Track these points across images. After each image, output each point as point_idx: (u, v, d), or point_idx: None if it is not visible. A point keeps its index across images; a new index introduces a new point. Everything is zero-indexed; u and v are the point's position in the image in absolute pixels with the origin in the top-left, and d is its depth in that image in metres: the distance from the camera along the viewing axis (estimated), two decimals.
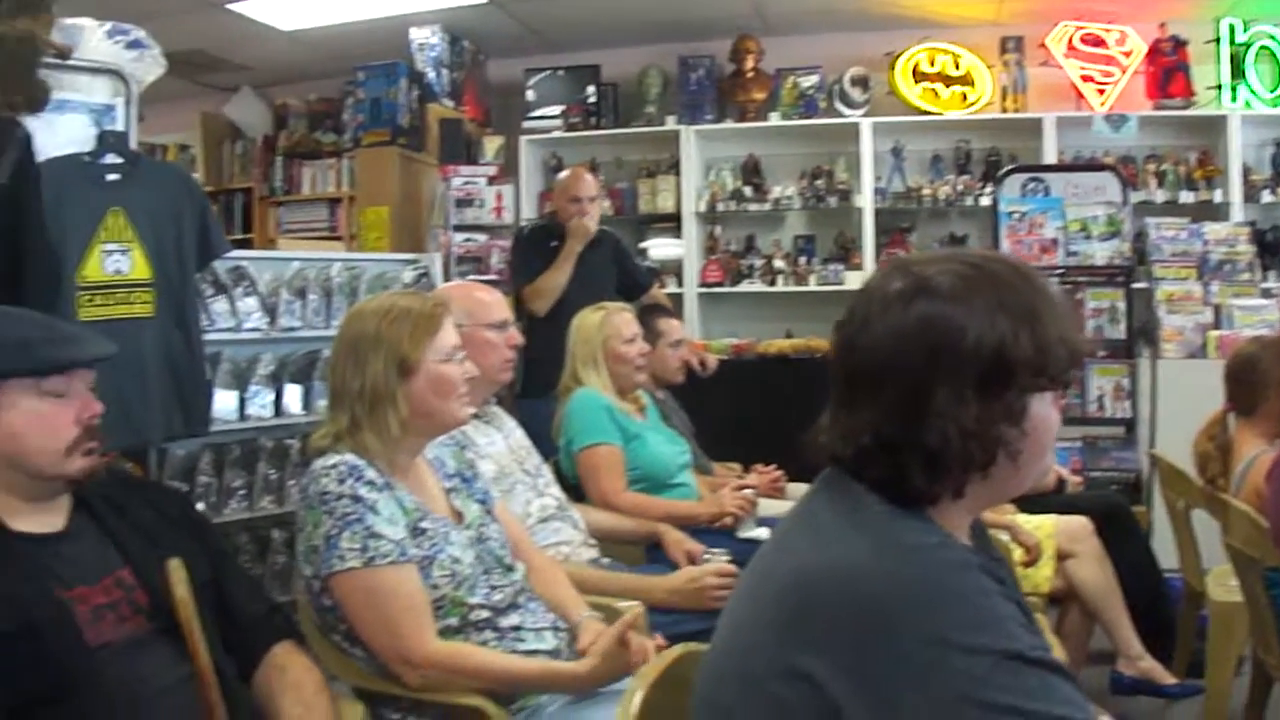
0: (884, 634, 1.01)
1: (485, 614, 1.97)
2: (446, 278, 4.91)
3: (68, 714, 1.56)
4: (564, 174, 4.89)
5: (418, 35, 6.22)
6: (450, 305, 2.14)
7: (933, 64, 6.02)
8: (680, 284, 6.19)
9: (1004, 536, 2.89)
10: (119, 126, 2.87)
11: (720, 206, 6.29)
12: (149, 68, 2.99)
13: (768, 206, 6.25)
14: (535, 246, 4.77)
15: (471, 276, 5.38)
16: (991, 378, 1.09)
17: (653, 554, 2.86)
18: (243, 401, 3.32)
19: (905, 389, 1.10)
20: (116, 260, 2.75)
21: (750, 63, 6.26)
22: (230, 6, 5.80)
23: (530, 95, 6.61)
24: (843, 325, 1.18)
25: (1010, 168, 5.53)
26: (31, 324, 1.76)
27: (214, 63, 6.76)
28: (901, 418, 1.10)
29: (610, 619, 2.11)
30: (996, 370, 1.09)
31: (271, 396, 3.38)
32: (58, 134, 2.70)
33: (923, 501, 1.12)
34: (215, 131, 7.45)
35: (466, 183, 5.78)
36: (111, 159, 2.77)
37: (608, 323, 3.25)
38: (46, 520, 1.72)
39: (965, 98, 6.03)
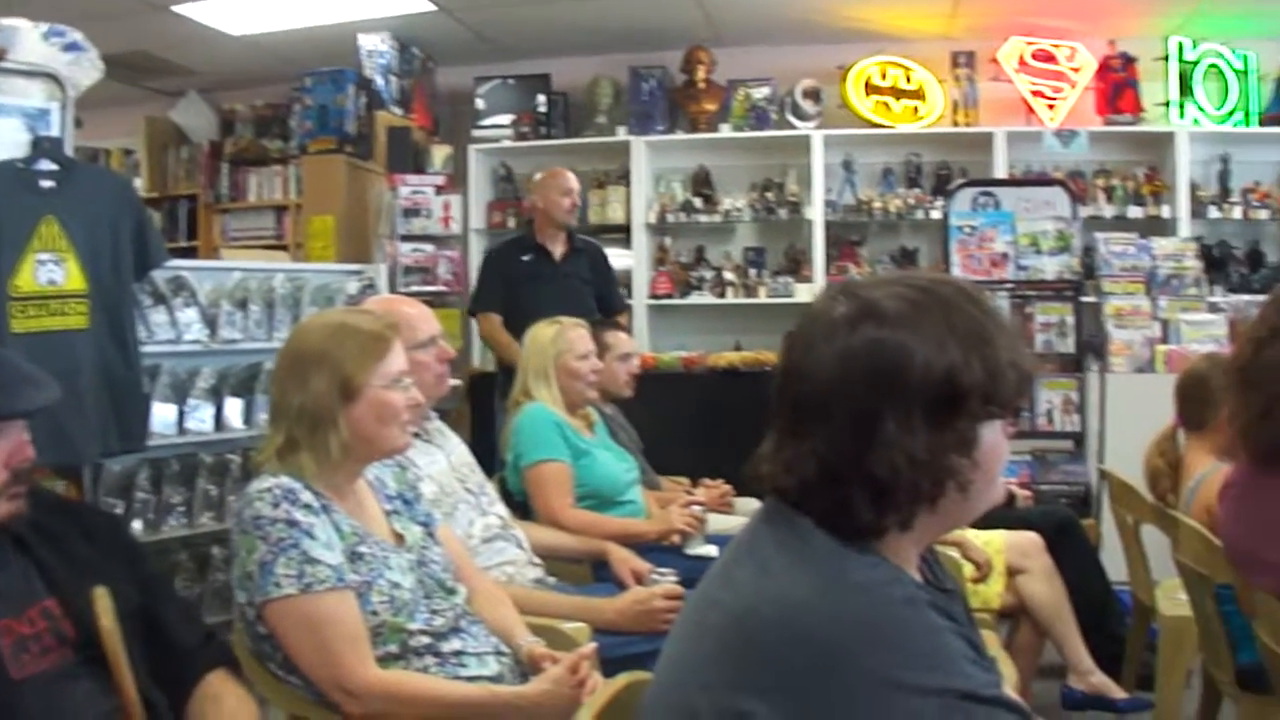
0: (830, 675, 0.97)
1: (426, 640, 1.92)
2: (393, 288, 4.84)
3: None
4: (542, 174, 4.89)
5: (366, 42, 6.15)
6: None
7: (884, 77, 6.05)
8: (630, 295, 6.10)
9: (954, 553, 2.88)
10: (54, 132, 2.80)
11: (670, 218, 6.30)
12: (86, 71, 2.91)
13: (718, 218, 6.27)
14: (505, 265, 4.71)
15: (418, 287, 5.31)
16: (941, 405, 1.05)
17: (600, 572, 2.83)
18: (182, 415, 3.23)
19: (851, 418, 1.05)
20: (50, 270, 2.68)
21: (702, 74, 6.26)
22: (176, 9, 5.70)
23: (480, 104, 6.59)
24: (786, 351, 1.13)
25: (961, 182, 5.59)
26: None
27: (159, 66, 6.65)
28: (847, 448, 1.05)
29: (555, 642, 2.08)
30: (946, 397, 1.05)
31: (212, 411, 3.30)
32: None
33: (869, 535, 1.08)
34: (160, 136, 7.34)
35: (414, 192, 5.67)
36: (46, 165, 2.70)
37: (562, 337, 3.22)
38: None
39: (917, 111, 6.06)
